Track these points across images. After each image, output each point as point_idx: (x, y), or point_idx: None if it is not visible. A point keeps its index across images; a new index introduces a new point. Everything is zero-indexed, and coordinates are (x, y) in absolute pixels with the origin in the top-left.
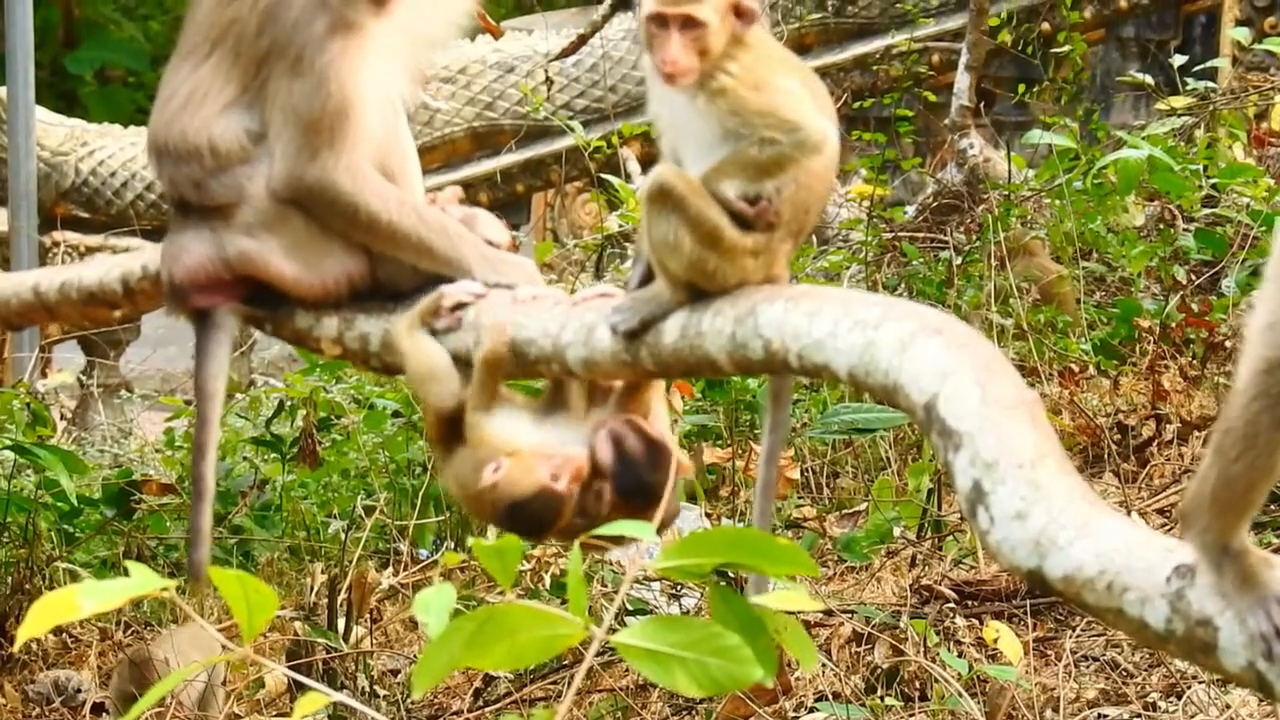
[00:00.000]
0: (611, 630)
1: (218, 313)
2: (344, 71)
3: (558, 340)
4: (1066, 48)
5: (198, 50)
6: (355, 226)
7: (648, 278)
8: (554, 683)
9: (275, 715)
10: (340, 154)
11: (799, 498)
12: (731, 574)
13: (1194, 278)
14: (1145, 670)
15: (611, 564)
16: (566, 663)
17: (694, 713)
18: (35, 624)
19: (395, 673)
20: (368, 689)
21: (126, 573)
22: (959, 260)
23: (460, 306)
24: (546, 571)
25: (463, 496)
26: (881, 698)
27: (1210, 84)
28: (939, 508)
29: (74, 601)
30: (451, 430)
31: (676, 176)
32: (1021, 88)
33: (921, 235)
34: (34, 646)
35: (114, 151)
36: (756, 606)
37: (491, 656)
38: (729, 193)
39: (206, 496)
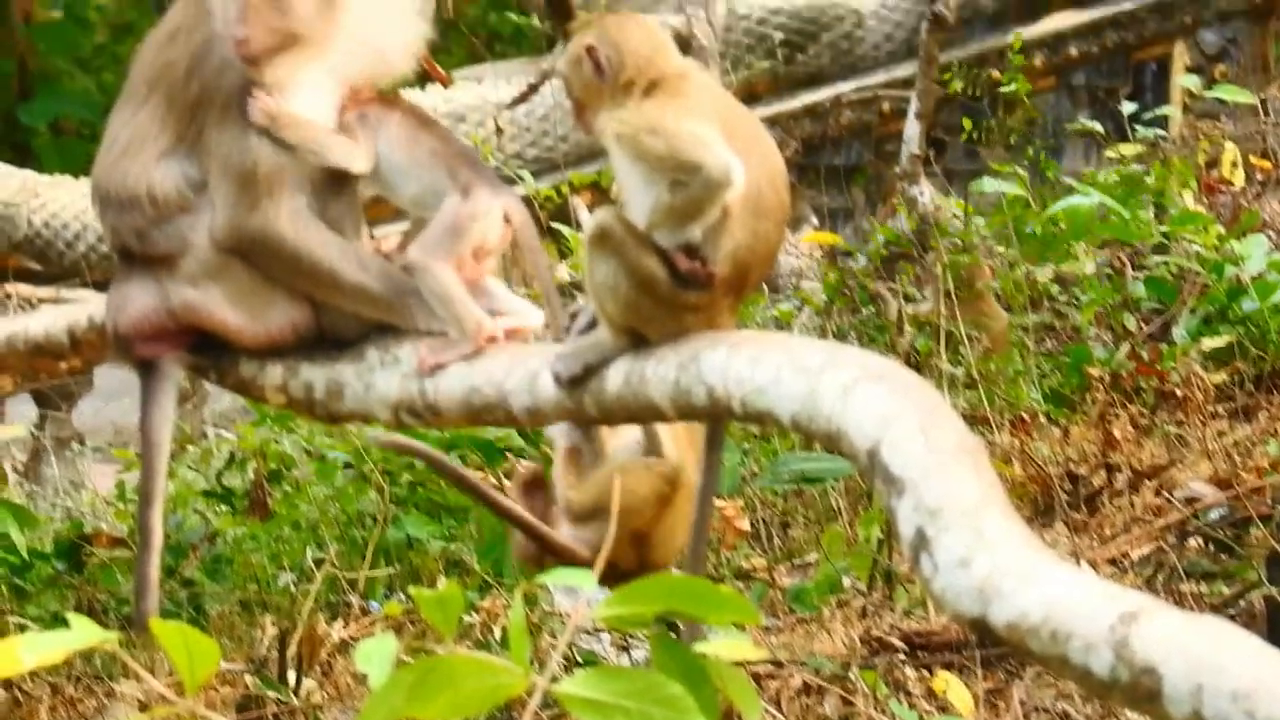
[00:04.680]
0: (554, 680)
1: (163, 362)
2: None
3: (502, 388)
4: (1012, 86)
5: (137, 94)
6: (298, 275)
7: (591, 327)
8: None
9: None
10: (280, 203)
11: (749, 548)
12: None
13: (1144, 325)
14: None
15: (560, 615)
16: (516, 715)
17: None
18: None
19: None
20: None
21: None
22: (909, 308)
23: None
24: (496, 623)
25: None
26: None
27: (1160, 132)
28: (889, 558)
29: (15, 655)
30: None
31: (617, 220)
32: (968, 122)
33: (872, 285)
34: None
35: (66, 203)
36: (700, 656)
37: (434, 707)
38: (665, 242)
39: (154, 546)
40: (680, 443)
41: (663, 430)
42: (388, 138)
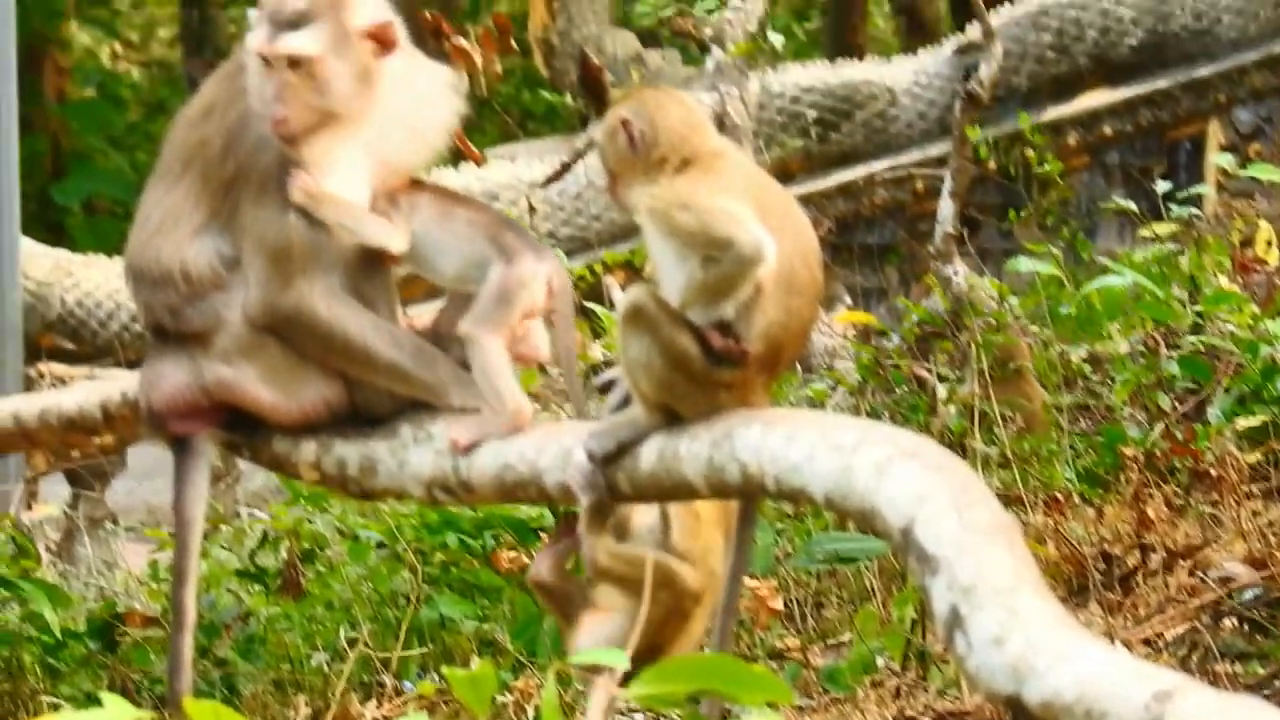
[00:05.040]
0: None
1: (196, 439)
2: None
3: (535, 465)
4: (1045, 167)
5: (170, 172)
6: (331, 352)
7: (625, 403)
8: None
9: None
10: (314, 280)
11: (783, 627)
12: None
13: (1179, 405)
14: None
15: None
16: None
17: None
18: None
19: None
20: None
21: None
22: (943, 389)
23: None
24: (529, 703)
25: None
26: None
27: (1195, 211)
28: (923, 637)
29: None
30: None
31: (650, 298)
32: (1012, 214)
33: (905, 364)
34: None
35: (100, 282)
36: None
37: None
38: (698, 319)
39: (187, 625)
40: (710, 525)
41: (679, 518)
42: (422, 218)
